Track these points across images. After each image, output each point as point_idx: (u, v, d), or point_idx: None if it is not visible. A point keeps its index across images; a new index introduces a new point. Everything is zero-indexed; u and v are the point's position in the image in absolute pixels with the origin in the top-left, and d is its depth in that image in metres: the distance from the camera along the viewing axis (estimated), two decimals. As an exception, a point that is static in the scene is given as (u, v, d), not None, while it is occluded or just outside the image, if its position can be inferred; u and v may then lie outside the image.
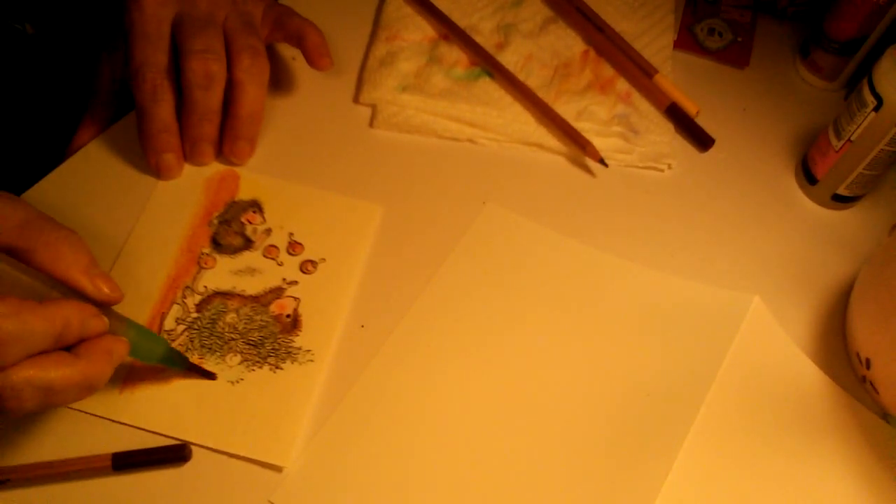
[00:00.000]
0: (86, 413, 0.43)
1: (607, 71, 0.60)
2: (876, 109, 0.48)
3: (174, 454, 0.42)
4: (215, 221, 0.50)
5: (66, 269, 0.38)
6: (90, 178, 0.51)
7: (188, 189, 0.51)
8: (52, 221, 0.40)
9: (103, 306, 0.39)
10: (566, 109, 0.56)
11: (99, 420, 0.43)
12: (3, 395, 0.34)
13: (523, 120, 0.56)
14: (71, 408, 0.43)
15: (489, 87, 0.57)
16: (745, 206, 0.55)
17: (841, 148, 0.51)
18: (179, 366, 0.43)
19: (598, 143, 0.55)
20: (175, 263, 0.48)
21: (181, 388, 0.44)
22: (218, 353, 0.45)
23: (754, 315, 0.48)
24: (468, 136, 0.56)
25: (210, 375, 0.44)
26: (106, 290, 0.39)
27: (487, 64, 0.58)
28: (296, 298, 0.47)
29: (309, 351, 0.46)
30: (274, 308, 0.47)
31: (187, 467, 0.42)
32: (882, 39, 0.56)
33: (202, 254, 0.48)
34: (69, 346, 0.37)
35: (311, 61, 0.53)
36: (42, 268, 0.38)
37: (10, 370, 0.34)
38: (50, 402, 0.36)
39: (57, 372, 0.36)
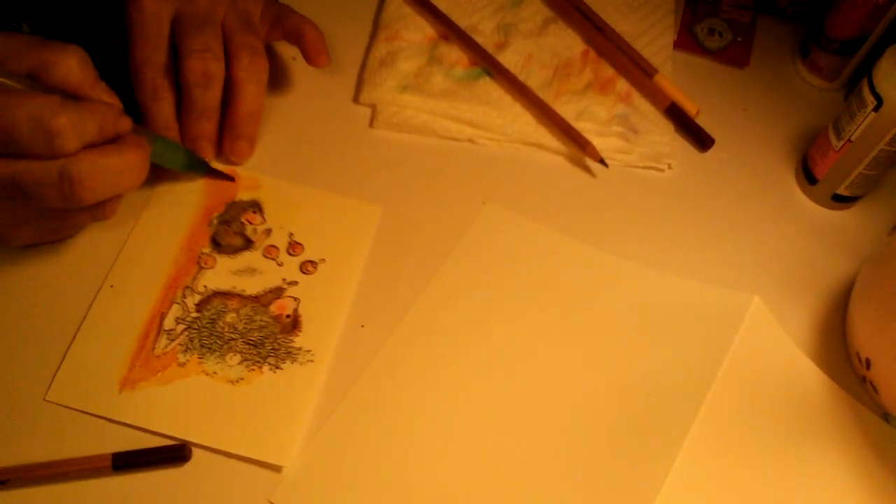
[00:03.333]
0: (86, 413, 0.43)
1: (607, 71, 0.60)
2: (876, 109, 0.48)
3: (174, 454, 0.42)
4: (215, 221, 0.50)
5: (79, 85, 0.41)
6: (90, 177, 0.51)
7: (188, 189, 0.51)
8: (56, 42, 0.41)
9: None
10: (566, 109, 0.56)
11: (99, 420, 0.43)
12: (77, 179, 0.38)
13: (523, 120, 0.56)
14: (70, 408, 0.43)
15: (489, 87, 0.57)
16: (745, 206, 0.55)
17: (841, 148, 0.51)
18: (201, 170, 0.50)
19: (598, 143, 0.55)
20: (175, 263, 0.48)
21: (180, 388, 0.44)
22: (218, 353, 0.45)
23: (754, 315, 0.48)
24: (468, 136, 0.55)
25: (229, 178, 0.50)
26: (107, 100, 0.42)
27: (487, 64, 0.58)
28: (296, 298, 0.47)
29: (309, 351, 0.46)
30: (274, 308, 0.47)
31: (187, 467, 0.42)
32: (882, 39, 0.56)
33: (202, 254, 0.48)
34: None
35: (308, 58, 0.53)
36: (57, 83, 0.40)
37: (74, 157, 0.38)
38: (118, 185, 0.41)
39: (115, 155, 0.41)
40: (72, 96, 0.40)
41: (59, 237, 0.47)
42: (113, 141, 0.42)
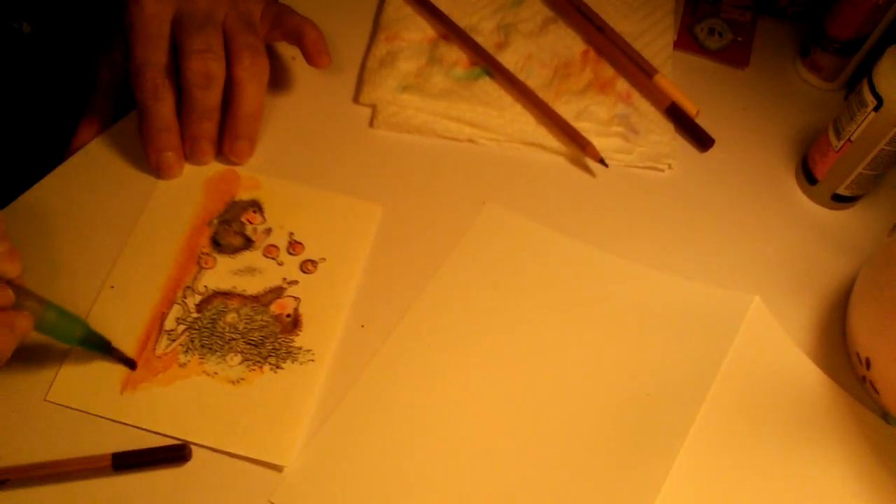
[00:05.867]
0: (86, 413, 0.43)
1: (607, 71, 0.60)
2: (876, 109, 0.48)
3: (174, 454, 0.42)
4: (215, 221, 0.50)
5: None
6: (90, 177, 0.51)
7: (188, 189, 0.51)
8: None
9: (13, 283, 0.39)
10: (566, 109, 0.56)
11: (99, 420, 0.43)
12: None
13: (523, 120, 0.56)
14: (71, 408, 0.43)
15: (489, 87, 0.57)
16: (745, 206, 0.55)
17: (841, 148, 0.51)
18: (100, 350, 0.43)
19: (598, 143, 0.55)
20: (175, 263, 0.48)
21: (181, 388, 0.44)
22: (218, 353, 0.45)
23: (754, 315, 0.48)
24: (468, 136, 0.55)
25: (130, 363, 0.44)
26: (7, 267, 0.39)
27: (487, 64, 0.58)
28: (296, 298, 0.47)
29: (309, 351, 0.46)
30: (274, 308, 0.47)
31: (187, 467, 0.42)
32: (882, 39, 0.56)
33: (202, 254, 0.48)
34: None
35: (309, 59, 0.53)
36: None
37: None
38: None
39: None
40: None
41: None
42: None
